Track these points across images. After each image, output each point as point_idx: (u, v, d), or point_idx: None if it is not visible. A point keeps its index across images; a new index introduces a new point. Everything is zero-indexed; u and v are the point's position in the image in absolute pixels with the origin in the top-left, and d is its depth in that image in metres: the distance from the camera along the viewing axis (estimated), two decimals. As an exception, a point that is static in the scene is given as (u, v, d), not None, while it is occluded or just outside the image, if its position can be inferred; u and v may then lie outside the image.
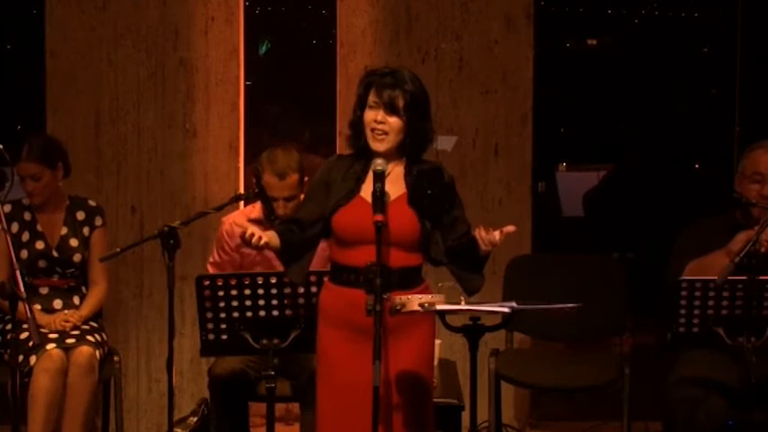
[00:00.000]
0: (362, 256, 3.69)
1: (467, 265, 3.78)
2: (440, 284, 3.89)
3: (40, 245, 4.97)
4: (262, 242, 3.71)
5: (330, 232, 3.83)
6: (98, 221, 5.08)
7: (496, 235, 3.63)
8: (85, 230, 5.05)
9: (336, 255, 3.83)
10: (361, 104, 3.81)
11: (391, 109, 3.75)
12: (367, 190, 3.77)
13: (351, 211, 3.77)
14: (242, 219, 4.80)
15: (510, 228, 3.65)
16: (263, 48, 7.81)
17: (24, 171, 4.92)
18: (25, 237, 4.95)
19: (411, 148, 3.82)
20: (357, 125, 3.82)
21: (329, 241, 3.88)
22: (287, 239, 3.81)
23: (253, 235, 3.71)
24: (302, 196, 4.72)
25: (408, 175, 3.82)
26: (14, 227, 4.95)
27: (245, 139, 5.66)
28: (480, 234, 3.64)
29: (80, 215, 5.06)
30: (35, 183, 4.93)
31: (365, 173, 3.81)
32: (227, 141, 5.60)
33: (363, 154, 3.83)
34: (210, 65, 5.59)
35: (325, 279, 3.89)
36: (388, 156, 3.79)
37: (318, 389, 3.86)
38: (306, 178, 4.77)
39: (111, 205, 5.56)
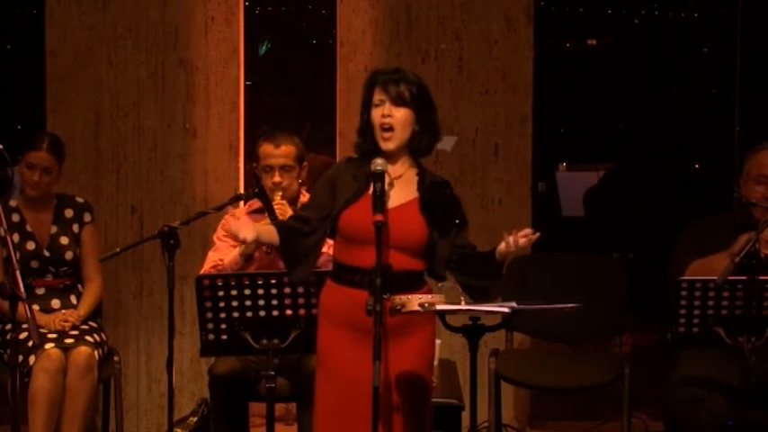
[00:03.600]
0: (367, 256, 3.67)
1: (482, 274, 3.75)
2: (440, 285, 3.89)
3: (30, 245, 4.96)
4: (241, 236, 3.73)
5: (335, 231, 3.82)
6: (87, 218, 5.08)
7: (522, 241, 3.62)
8: (75, 227, 5.05)
9: (341, 255, 3.82)
10: (366, 106, 3.81)
11: (399, 100, 3.75)
12: None
13: (358, 210, 3.75)
14: (242, 211, 4.81)
15: (533, 236, 3.63)
16: (263, 48, 7.81)
17: (38, 160, 4.91)
18: (15, 238, 4.92)
19: (421, 142, 3.80)
20: (365, 129, 3.82)
21: (334, 240, 3.87)
22: (289, 239, 3.80)
23: (237, 231, 3.74)
24: (303, 193, 4.74)
25: (422, 182, 3.82)
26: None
27: (245, 139, 5.66)
28: (507, 238, 3.63)
29: (68, 213, 5.05)
30: (45, 175, 4.93)
31: None
32: (227, 141, 5.60)
33: (372, 157, 3.83)
34: (210, 65, 5.59)
35: (328, 278, 3.88)
36: (399, 156, 3.80)
37: (317, 388, 3.85)
38: (305, 163, 4.76)
39: (111, 205, 5.56)
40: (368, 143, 3.82)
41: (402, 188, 3.77)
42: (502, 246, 3.66)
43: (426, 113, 3.80)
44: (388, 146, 3.77)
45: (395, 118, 3.75)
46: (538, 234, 3.64)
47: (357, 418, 3.66)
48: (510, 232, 3.65)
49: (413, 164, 3.85)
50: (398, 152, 3.80)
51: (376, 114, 3.77)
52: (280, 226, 3.86)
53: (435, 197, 3.81)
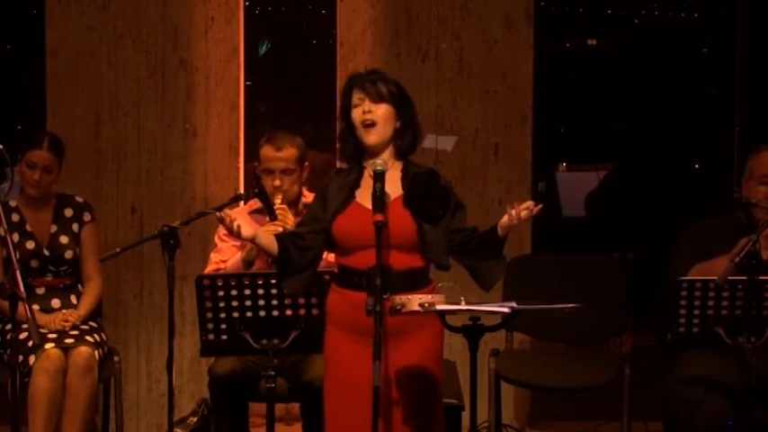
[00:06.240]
0: (366, 259, 3.69)
1: (486, 254, 3.76)
2: (440, 285, 3.89)
3: (30, 245, 4.96)
4: (235, 225, 3.71)
5: (332, 244, 3.83)
6: (87, 217, 5.08)
7: (523, 214, 3.62)
8: (75, 227, 5.05)
9: (341, 260, 3.83)
10: (346, 110, 3.82)
11: (377, 97, 3.78)
12: (362, 195, 3.79)
13: (349, 217, 3.78)
14: (241, 211, 4.81)
15: (535, 208, 3.64)
16: (263, 48, 7.81)
17: (40, 159, 4.91)
18: (15, 238, 4.92)
19: (405, 139, 3.82)
20: (346, 133, 3.84)
21: (334, 250, 3.87)
22: (286, 249, 3.80)
23: (232, 220, 3.71)
24: (305, 194, 4.74)
25: (405, 178, 3.83)
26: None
27: (245, 139, 5.66)
28: (510, 211, 3.64)
29: (68, 212, 5.06)
30: (45, 174, 4.94)
31: (359, 180, 3.83)
32: (227, 141, 5.61)
33: (357, 164, 3.86)
34: (210, 65, 5.59)
35: (332, 283, 3.88)
36: (382, 154, 3.80)
37: (326, 391, 3.87)
38: (306, 163, 4.75)
39: (111, 205, 5.56)
40: (350, 147, 3.84)
41: (388, 186, 3.76)
42: (504, 219, 3.67)
43: (406, 111, 3.83)
44: (370, 139, 3.78)
45: (375, 114, 3.77)
46: (540, 206, 3.64)
47: (365, 420, 3.64)
48: (512, 205, 3.65)
49: (397, 161, 3.85)
50: (382, 150, 3.81)
51: (357, 113, 3.79)
52: (278, 236, 3.86)
53: (418, 188, 3.82)
